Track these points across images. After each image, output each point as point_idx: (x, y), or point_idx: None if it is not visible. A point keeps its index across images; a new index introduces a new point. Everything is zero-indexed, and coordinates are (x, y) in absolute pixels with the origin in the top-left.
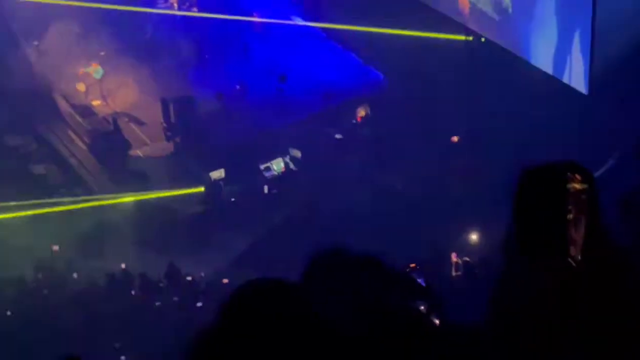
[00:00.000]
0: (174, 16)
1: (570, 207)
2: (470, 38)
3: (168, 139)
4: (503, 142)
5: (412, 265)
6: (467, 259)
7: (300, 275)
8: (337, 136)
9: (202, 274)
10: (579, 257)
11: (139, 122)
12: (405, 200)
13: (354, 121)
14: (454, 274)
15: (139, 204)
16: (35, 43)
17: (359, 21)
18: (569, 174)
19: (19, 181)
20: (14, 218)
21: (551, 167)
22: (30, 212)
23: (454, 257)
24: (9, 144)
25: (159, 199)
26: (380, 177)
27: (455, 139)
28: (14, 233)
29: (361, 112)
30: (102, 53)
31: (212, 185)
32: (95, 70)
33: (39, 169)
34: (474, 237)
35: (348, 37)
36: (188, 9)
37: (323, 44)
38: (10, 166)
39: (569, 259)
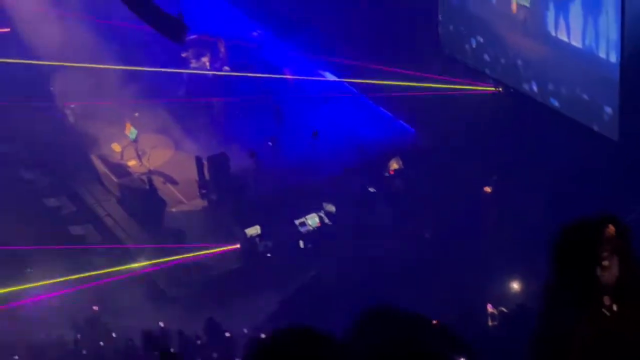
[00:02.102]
0: (206, 75)
1: (605, 258)
2: (500, 89)
3: (203, 197)
4: (535, 191)
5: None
6: (503, 309)
7: (341, 329)
8: (371, 189)
9: (245, 330)
10: (614, 308)
11: (174, 181)
12: (439, 252)
13: (387, 174)
14: (490, 324)
15: (177, 262)
16: (72, 106)
17: (388, 75)
18: (604, 225)
19: (58, 242)
20: (53, 278)
21: (587, 219)
22: (70, 274)
23: (489, 308)
24: (48, 205)
25: (196, 256)
26: (415, 228)
27: (488, 189)
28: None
29: (393, 165)
30: (136, 114)
31: (248, 242)
32: (130, 131)
33: (77, 230)
34: (509, 287)
35: (378, 91)
36: (219, 68)
37: (353, 99)
38: (49, 227)
39: (604, 309)
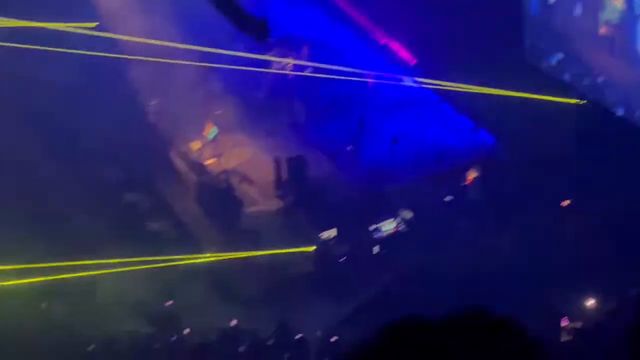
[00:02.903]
0: (288, 76)
1: None
2: (583, 101)
3: (280, 198)
4: (616, 206)
5: None
6: (578, 324)
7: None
8: (447, 198)
9: (318, 333)
10: None
11: (251, 181)
12: (515, 263)
13: (464, 184)
14: (564, 339)
15: (250, 262)
16: (153, 102)
17: (470, 83)
18: None
19: (134, 237)
20: (129, 273)
21: None
22: (144, 267)
23: (564, 322)
24: (126, 200)
25: (269, 257)
26: (490, 239)
27: (566, 202)
28: (129, 287)
29: (471, 175)
30: (217, 112)
31: (323, 245)
32: (210, 130)
33: (153, 226)
34: (586, 302)
35: (460, 99)
36: (302, 70)
37: (435, 107)
38: (126, 222)
39: None
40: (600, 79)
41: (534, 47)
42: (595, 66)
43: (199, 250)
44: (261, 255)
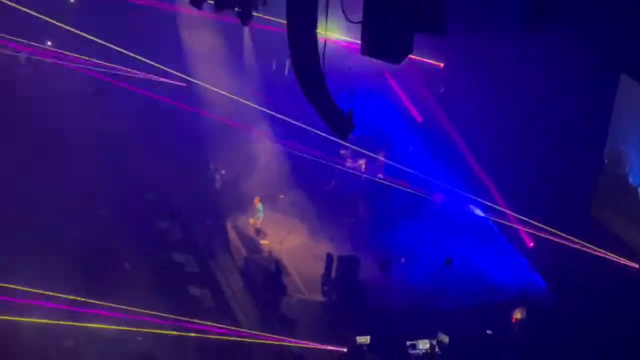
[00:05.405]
0: (359, 177)
1: None
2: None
3: (324, 293)
4: None
5: None
6: None
7: None
8: (488, 332)
9: None
10: None
11: (300, 271)
12: None
13: (509, 321)
14: None
15: (282, 349)
16: (223, 172)
17: (531, 222)
18: None
19: (175, 297)
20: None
21: None
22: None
23: None
24: (175, 260)
25: (301, 349)
26: None
27: None
28: (160, 346)
29: (517, 314)
30: (281, 196)
31: (355, 349)
32: (257, 207)
33: (194, 290)
34: None
35: (520, 237)
36: (373, 173)
37: (494, 240)
38: (171, 281)
39: None
40: None
41: (599, 206)
42: None
43: (233, 324)
44: (292, 345)
